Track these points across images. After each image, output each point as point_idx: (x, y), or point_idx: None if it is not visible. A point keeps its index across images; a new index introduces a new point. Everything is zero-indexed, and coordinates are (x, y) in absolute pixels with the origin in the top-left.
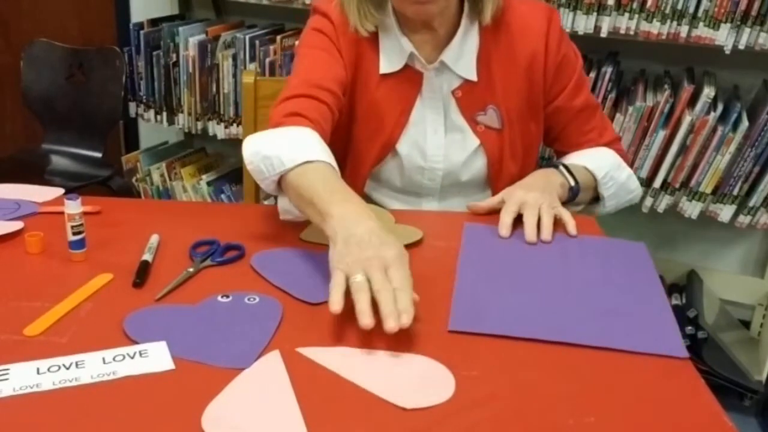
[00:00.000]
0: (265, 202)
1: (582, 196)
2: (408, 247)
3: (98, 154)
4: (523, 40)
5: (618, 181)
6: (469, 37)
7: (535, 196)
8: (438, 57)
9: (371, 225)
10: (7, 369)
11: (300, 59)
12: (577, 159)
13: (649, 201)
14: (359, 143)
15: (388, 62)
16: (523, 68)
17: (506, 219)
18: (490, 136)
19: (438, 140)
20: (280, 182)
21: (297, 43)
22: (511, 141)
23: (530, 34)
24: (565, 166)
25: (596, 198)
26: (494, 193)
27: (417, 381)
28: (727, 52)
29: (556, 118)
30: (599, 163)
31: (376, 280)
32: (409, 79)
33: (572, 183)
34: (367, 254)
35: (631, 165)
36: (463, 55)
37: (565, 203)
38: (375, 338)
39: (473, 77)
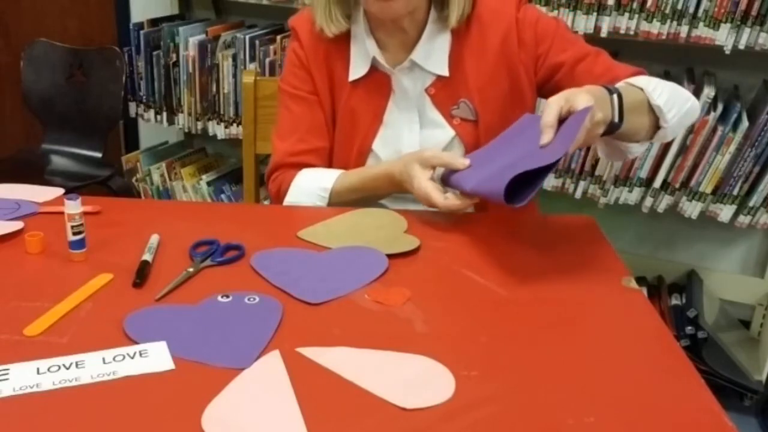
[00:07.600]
0: (266, 202)
1: (635, 119)
2: (407, 253)
3: (98, 154)
4: (494, 27)
5: (666, 87)
6: (439, 37)
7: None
8: (408, 57)
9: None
10: (7, 369)
11: (282, 110)
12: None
13: (649, 201)
14: (340, 150)
15: (355, 68)
16: (496, 55)
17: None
18: (466, 127)
19: (413, 138)
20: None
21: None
22: (489, 129)
23: (500, 19)
24: (612, 89)
25: (654, 128)
26: None
27: (417, 381)
28: (727, 52)
29: (557, 79)
30: (636, 80)
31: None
32: (378, 81)
33: (617, 116)
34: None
35: (631, 165)
36: (433, 53)
37: (609, 133)
38: (375, 338)
39: (445, 72)
